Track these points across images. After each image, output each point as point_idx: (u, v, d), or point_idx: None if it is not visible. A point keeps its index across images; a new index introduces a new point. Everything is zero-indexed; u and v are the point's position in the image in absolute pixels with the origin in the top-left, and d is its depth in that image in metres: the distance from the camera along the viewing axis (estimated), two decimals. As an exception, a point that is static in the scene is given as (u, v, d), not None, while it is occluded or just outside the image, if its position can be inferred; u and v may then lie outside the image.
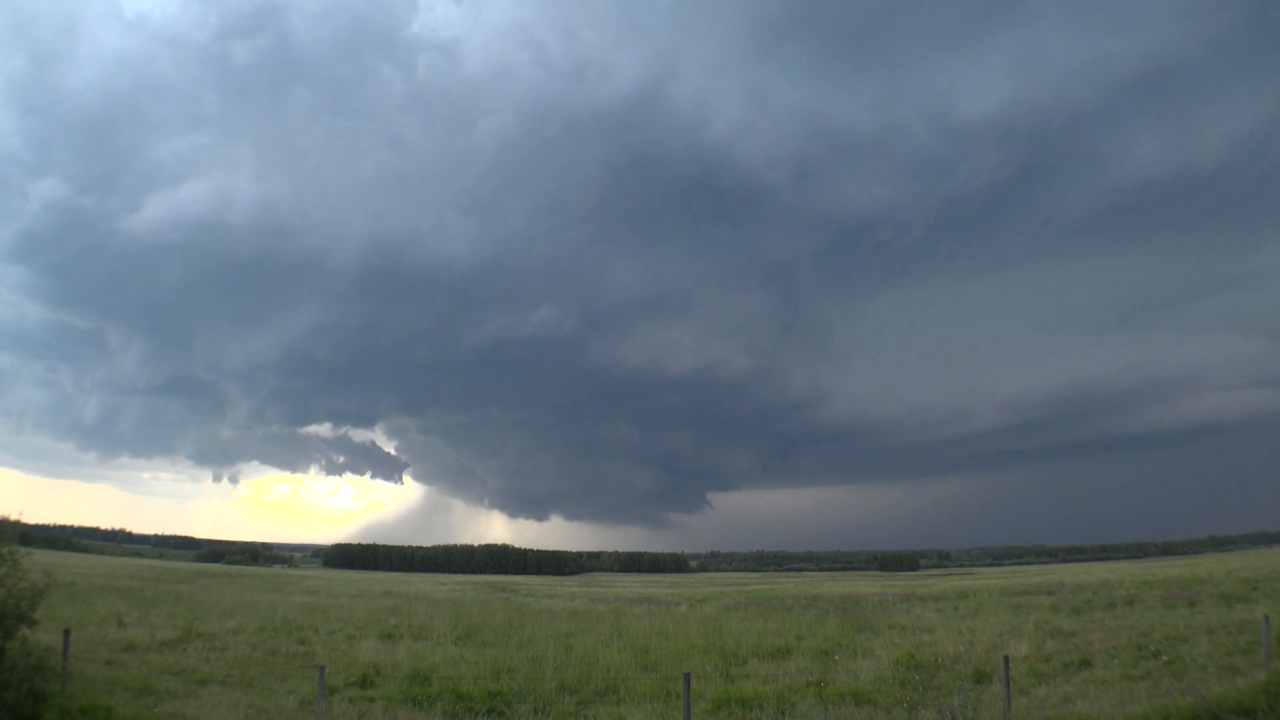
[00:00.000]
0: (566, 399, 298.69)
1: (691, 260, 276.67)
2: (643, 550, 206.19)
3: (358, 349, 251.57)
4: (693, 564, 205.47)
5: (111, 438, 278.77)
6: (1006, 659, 12.28)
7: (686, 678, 11.23)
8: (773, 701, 13.11)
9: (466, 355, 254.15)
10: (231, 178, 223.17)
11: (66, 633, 13.47)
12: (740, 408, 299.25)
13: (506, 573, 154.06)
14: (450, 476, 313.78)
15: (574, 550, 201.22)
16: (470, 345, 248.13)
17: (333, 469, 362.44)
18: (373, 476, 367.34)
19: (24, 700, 10.65)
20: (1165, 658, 14.36)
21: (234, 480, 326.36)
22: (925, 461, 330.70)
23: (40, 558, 16.09)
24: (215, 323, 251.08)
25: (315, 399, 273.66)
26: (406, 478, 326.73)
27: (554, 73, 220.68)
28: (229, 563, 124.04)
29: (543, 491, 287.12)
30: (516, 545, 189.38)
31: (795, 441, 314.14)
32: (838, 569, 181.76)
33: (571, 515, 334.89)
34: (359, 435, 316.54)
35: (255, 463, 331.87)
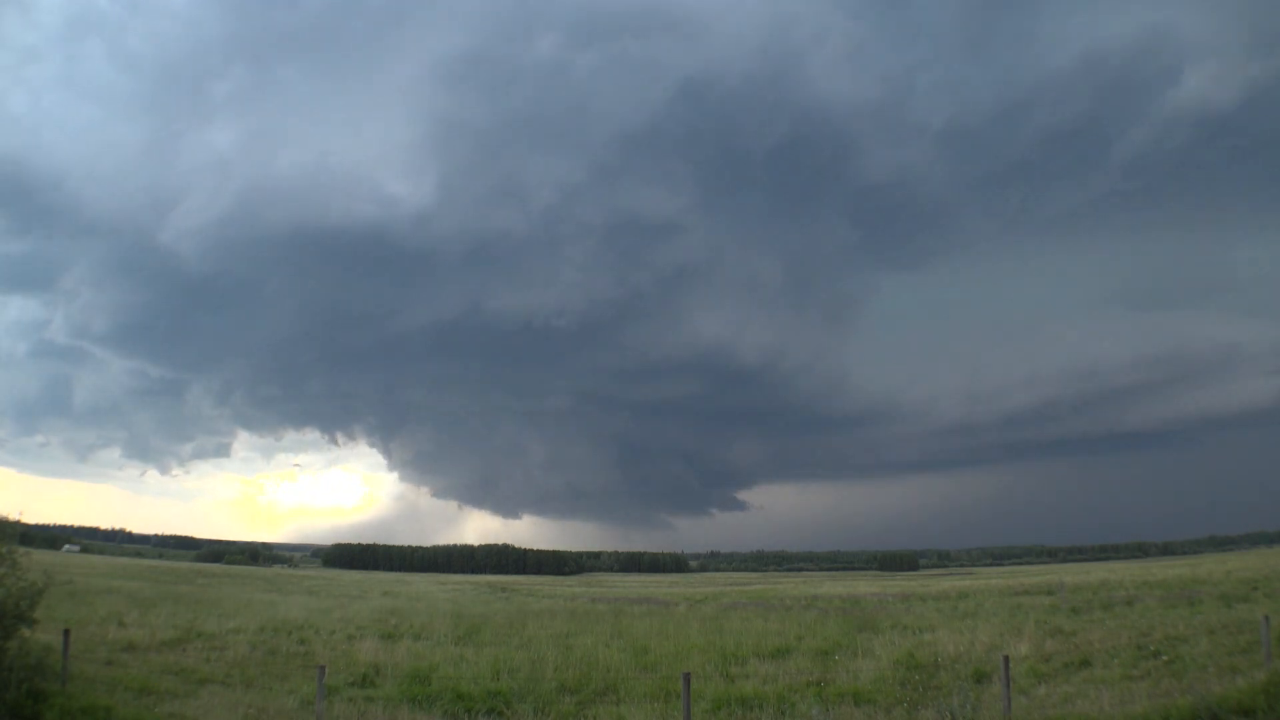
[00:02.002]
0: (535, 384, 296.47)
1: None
2: (643, 550, 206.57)
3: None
4: (692, 564, 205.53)
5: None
6: (1006, 659, 12.26)
7: (686, 677, 11.23)
8: (773, 701, 13.10)
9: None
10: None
11: (66, 633, 13.45)
12: (753, 397, 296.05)
13: (506, 573, 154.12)
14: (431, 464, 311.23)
15: (574, 550, 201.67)
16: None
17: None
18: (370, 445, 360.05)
19: (24, 700, 10.64)
20: (1165, 658, 14.35)
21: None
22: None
23: (40, 558, 16.08)
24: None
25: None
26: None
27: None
28: (229, 563, 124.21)
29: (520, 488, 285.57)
30: (516, 545, 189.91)
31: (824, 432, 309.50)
32: (838, 569, 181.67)
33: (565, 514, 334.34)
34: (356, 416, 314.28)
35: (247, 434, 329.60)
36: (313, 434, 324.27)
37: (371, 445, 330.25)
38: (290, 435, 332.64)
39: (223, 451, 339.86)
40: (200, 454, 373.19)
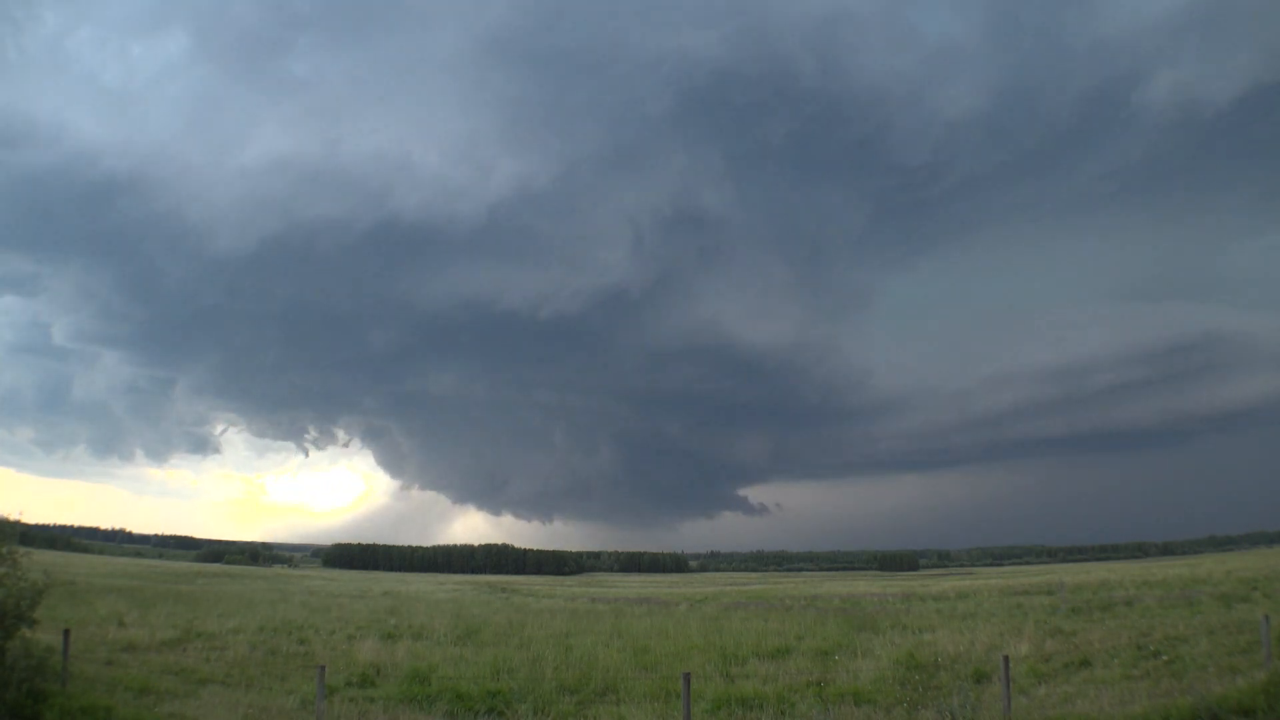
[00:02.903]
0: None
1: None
2: (643, 550, 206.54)
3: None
4: (692, 564, 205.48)
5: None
6: (1006, 659, 12.27)
7: (686, 677, 11.23)
8: (773, 701, 13.11)
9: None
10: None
11: (66, 633, 13.46)
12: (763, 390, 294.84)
13: (506, 573, 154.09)
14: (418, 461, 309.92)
15: (574, 550, 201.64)
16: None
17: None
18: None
19: (24, 700, 10.65)
20: (1165, 658, 14.35)
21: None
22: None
23: (40, 558, 16.08)
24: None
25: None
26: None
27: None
28: (229, 563, 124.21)
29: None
30: (516, 545, 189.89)
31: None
32: (838, 569, 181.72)
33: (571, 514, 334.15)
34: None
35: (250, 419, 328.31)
36: (308, 429, 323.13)
37: (365, 444, 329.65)
38: (285, 429, 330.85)
39: (205, 446, 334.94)
40: (177, 448, 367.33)
